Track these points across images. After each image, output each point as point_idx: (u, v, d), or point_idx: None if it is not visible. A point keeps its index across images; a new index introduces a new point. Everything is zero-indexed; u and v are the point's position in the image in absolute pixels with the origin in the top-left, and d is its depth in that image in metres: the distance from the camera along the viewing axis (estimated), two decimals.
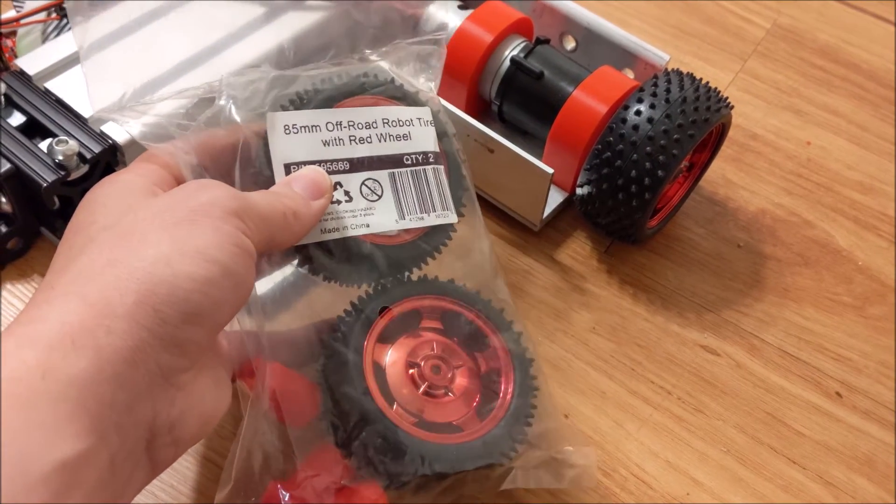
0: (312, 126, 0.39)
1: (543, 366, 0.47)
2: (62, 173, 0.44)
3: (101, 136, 0.46)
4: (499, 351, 0.41)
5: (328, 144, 0.39)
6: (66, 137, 0.45)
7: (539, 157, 0.49)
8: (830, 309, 0.51)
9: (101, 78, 0.37)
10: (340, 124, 0.40)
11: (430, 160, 0.42)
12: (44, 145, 0.45)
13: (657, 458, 0.45)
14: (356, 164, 0.40)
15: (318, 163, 0.39)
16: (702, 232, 0.54)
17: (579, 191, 0.50)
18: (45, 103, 0.47)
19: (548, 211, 0.51)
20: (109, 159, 0.46)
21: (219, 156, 0.37)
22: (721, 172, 0.57)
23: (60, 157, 0.44)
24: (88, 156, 0.45)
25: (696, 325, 0.50)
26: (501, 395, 0.40)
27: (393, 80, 0.42)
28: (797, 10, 0.69)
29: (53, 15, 0.54)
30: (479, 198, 0.52)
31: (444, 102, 0.49)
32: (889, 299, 0.52)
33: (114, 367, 0.28)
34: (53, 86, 0.47)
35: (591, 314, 0.50)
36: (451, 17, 0.53)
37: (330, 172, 0.39)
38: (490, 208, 0.53)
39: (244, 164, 0.37)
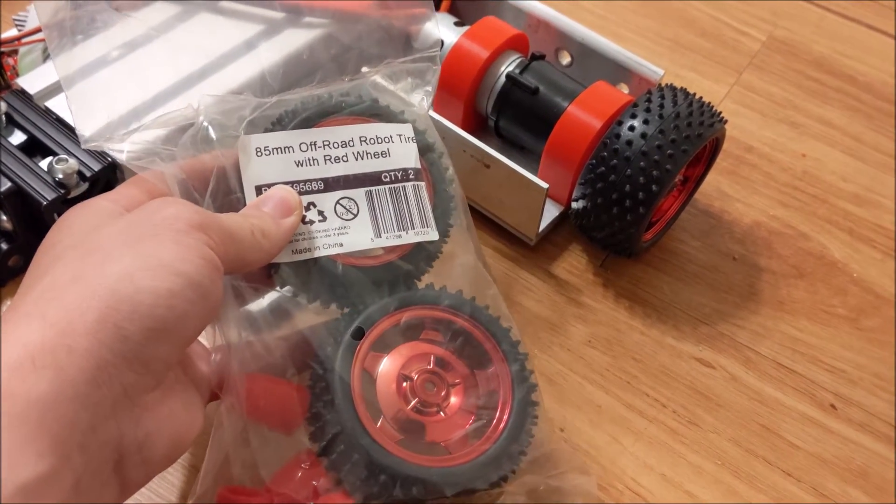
0: (285, 147, 0.39)
1: (540, 382, 0.47)
2: (62, 191, 0.45)
3: (101, 155, 0.47)
4: (500, 372, 0.39)
5: (301, 165, 0.39)
6: (66, 156, 0.46)
7: (535, 171, 0.50)
8: (825, 321, 0.52)
9: (86, 107, 0.37)
10: (315, 144, 0.40)
11: (410, 177, 0.41)
12: (44, 164, 0.46)
13: (652, 471, 0.45)
14: (331, 184, 0.40)
15: (291, 183, 0.39)
16: (697, 245, 0.55)
17: (574, 205, 0.50)
18: (46, 122, 0.47)
19: (543, 225, 0.52)
20: (109, 177, 0.47)
21: (204, 180, 0.38)
22: (716, 185, 0.58)
23: (60, 176, 0.45)
24: (88, 174, 0.46)
25: (692, 338, 0.50)
26: (496, 419, 0.38)
27: (377, 100, 0.42)
28: (793, 22, 0.69)
29: None
30: (476, 212, 0.53)
31: (440, 118, 0.50)
32: (883, 311, 0.52)
33: (75, 387, 0.28)
34: (54, 105, 0.48)
35: (586, 328, 0.50)
36: (446, 34, 0.53)
37: (303, 193, 0.39)
38: (486, 223, 0.54)
39: (216, 189, 0.37)
